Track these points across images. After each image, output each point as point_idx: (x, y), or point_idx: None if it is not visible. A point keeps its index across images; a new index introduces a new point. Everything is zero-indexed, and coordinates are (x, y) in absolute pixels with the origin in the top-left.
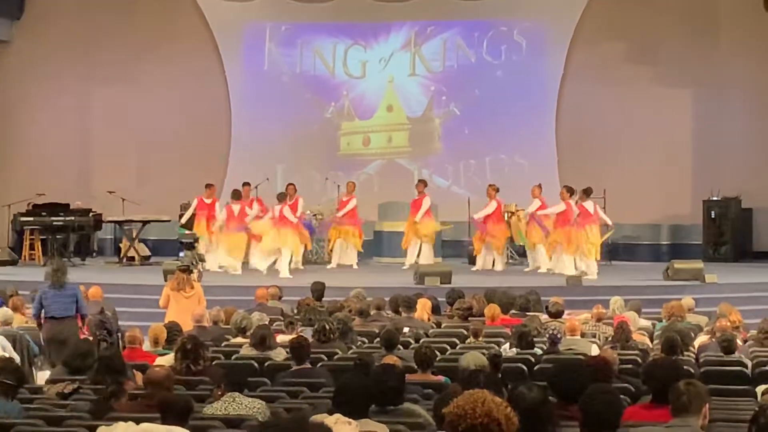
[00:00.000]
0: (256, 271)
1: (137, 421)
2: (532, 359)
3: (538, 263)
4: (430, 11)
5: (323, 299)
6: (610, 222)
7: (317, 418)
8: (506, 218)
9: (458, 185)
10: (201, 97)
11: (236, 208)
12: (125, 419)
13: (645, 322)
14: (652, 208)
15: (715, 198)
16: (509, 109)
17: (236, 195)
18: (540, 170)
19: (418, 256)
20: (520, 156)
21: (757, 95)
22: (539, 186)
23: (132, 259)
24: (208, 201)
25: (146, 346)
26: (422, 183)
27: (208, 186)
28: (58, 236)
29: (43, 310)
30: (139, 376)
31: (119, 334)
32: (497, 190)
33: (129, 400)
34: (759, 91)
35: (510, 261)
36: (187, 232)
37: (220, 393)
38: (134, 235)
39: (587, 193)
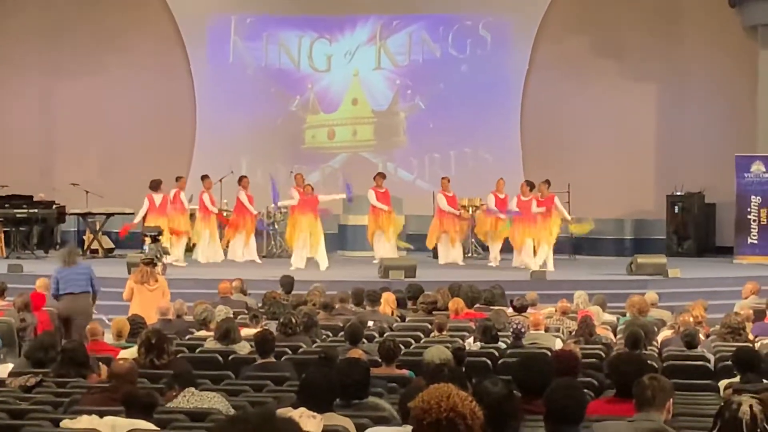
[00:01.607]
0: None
1: (101, 414)
2: (496, 353)
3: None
4: (396, 5)
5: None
6: (568, 216)
7: (282, 412)
8: (470, 212)
9: (423, 179)
10: (165, 89)
11: (157, 198)
12: (89, 412)
13: (609, 317)
14: (615, 203)
15: (678, 193)
16: (474, 103)
17: (155, 185)
18: (504, 164)
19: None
20: (484, 150)
21: (721, 91)
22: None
23: (95, 251)
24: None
25: (109, 339)
26: (381, 176)
27: (179, 178)
28: (21, 228)
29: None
30: (104, 369)
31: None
32: (449, 181)
33: (93, 393)
34: (723, 87)
35: (475, 255)
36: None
37: (174, 394)
38: (98, 227)
39: (547, 184)
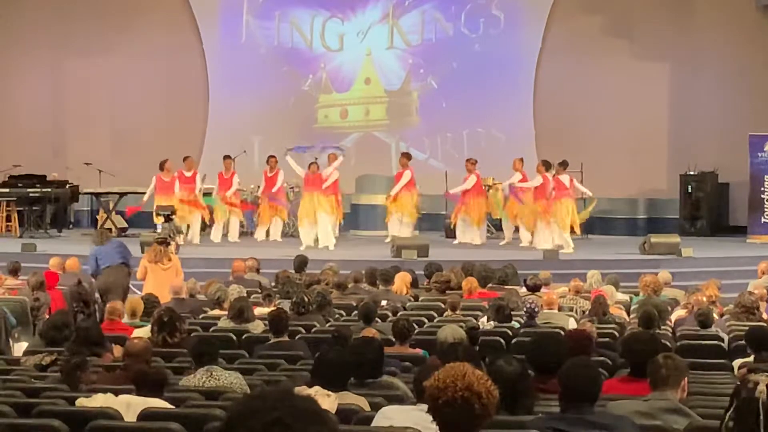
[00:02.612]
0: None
1: (116, 393)
2: (510, 333)
3: (513, 236)
4: None
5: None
6: (589, 192)
7: (297, 390)
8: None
9: (435, 158)
10: (178, 68)
11: (165, 177)
12: (104, 391)
13: (622, 296)
14: (628, 182)
15: (691, 172)
16: (487, 82)
17: (161, 165)
18: (517, 144)
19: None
20: (497, 129)
21: (733, 69)
22: (521, 160)
23: (109, 230)
24: (188, 174)
25: (124, 318)
26: (404, 156)
27: (186, 158)
28: (34, 208)
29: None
30: (117, 348)
31: (96, 306)
32: (475, 164)
33: (108, 372)
34: (735, 66)
35: (488, 235)
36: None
37: (192, 371)
38: (111, 206)
39: (563, 166)
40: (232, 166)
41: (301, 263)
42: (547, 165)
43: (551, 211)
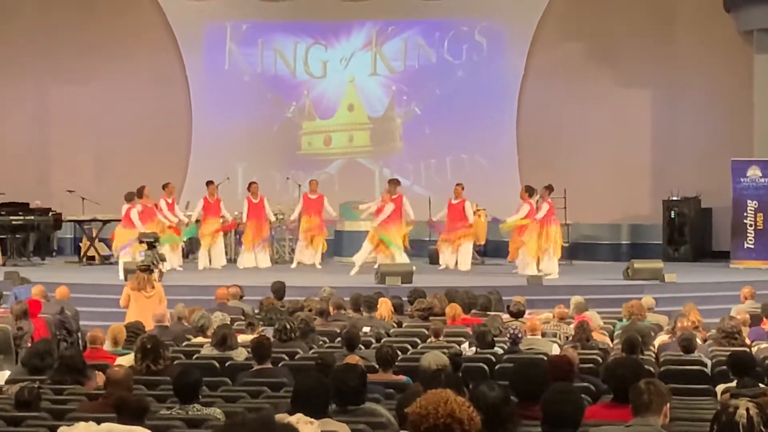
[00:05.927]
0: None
1: (98, 421)
2: (493, 359)
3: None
4: (392, 11)
5: (284, 299)
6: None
7: (279, 418)
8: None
9: (419, 185)
10: (161, 96)
11: (123, 208)
12: (86, 419)
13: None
14: (612, 208)
15: (674, 198)
16: (470, 108)
17: (139, 193)
18: (501, 170)
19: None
20: (480, 156)
21: (717, 95)
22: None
23: (92, 258)
24: (168, 200)
25: (106, 345)
26: (391, 183)
27: (166, 186)
28: (17, 236)
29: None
30: (101, 376)
31: (79, 334)
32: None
33: (90, 400)
34: (718, 92)
35: (471, 261)
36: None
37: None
38: (94, 234)
39: (549, 190)
40: (216, 191)
41: (279, 290)
42: (530, 191)
43: (540, 237)
